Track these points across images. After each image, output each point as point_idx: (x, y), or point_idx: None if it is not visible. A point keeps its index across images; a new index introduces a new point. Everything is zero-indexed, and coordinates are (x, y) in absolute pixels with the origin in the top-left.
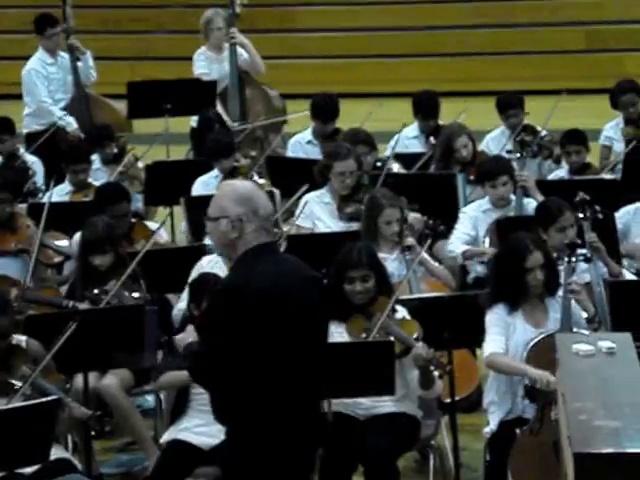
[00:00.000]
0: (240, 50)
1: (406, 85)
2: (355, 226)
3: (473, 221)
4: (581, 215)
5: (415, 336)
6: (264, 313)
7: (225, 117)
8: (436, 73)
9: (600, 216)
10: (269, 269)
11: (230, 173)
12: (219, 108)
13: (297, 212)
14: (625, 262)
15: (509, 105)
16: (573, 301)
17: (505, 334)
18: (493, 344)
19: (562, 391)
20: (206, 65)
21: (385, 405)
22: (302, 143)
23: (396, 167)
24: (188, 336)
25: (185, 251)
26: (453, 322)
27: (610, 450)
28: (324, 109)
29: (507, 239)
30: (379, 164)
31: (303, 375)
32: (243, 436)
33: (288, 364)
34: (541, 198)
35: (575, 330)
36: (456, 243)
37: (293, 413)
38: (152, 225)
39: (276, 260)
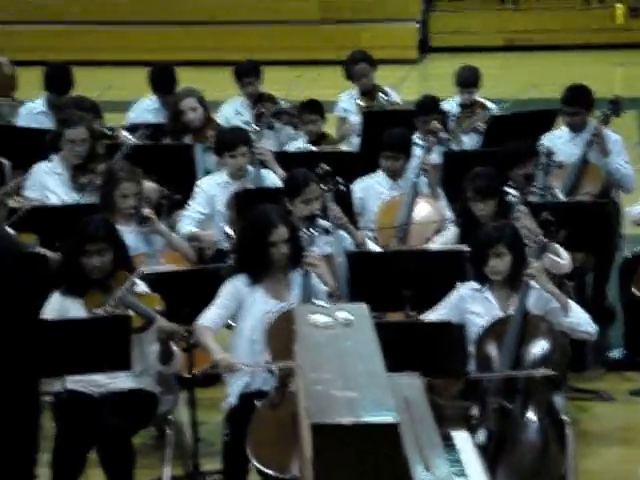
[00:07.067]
0: None
1: (141, 53)
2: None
3: (208, 197)
4: (324, 187)
5: (157, 309)
6: None
7: None
8: (171, 42)
9: (342, 188)
10: None
11: None
12: None
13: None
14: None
15: (245, 73)
16: (314, 275)
17: (231, 308)
18: (208, 314)
19: (300, 363)
20: None
21: (121, 381)
22: (33, 113)
23: (131, 137)
24: None
25: None
26: (194, 296)
27: (346, 420)
28: (60, 80)
29: (252, 211)
30: (110, 133)
31: None
32: None
33: None
34: (280, 170)
35: (314, 302)
36: (186, 221)
37: None
38: None
39: None
